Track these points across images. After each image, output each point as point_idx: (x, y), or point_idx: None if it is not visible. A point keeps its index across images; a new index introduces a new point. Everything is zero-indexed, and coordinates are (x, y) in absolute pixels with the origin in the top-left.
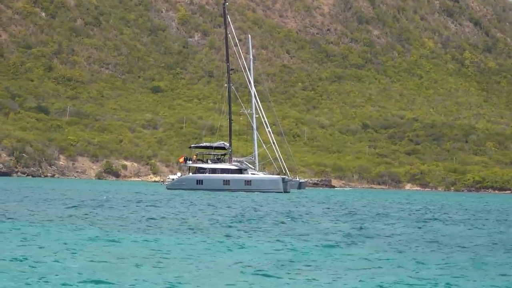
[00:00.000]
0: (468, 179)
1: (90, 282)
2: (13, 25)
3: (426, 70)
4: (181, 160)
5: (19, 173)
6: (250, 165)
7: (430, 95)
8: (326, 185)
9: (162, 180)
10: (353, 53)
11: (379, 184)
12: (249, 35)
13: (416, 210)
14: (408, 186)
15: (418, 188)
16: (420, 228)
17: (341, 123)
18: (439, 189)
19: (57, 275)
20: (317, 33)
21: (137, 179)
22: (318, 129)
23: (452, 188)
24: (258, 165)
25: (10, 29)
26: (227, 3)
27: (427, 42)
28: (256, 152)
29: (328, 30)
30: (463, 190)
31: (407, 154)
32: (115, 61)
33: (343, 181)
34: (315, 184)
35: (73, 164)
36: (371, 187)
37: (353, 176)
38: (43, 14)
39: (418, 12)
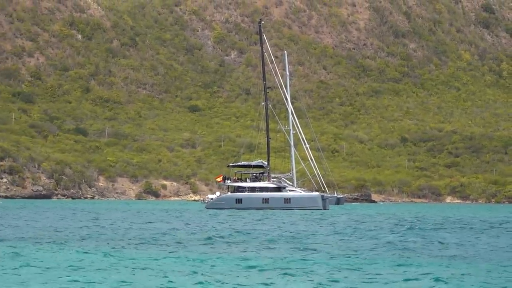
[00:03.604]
0: (509, 191)
1: None
2: (50, 48)
3: (463, 82)
4: (219, 179)
5: (59, 195)
6: (288, 182)
7: (468, 107)
8: (366, 200)
9: (202, 199)
10: (390, 67)
11: (419, 197)
12: (285, 52)
13: None
14: (448, 199)
15: (459, 201)
16: None
17: (379, 138)
18: (480, 201)
19: None
20: (353, 48)
21: (176, 198)
22: (356, 144)
23: (493, 200)
24: (297, 182)
25: (47, 52)
26: (262, 22)
27: (464, 54)
28: (294, 170)
29: (364, 44)
30: (504, 202)
31: (447, 167)
32: (152, 81)
33: (383, 196)
34: (355, 199)
35: (112, 185)
36: (411, 201)
37: (393, 190)
38: (80, 36)
39: (454, 24)
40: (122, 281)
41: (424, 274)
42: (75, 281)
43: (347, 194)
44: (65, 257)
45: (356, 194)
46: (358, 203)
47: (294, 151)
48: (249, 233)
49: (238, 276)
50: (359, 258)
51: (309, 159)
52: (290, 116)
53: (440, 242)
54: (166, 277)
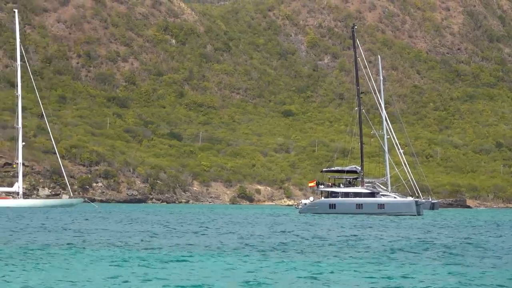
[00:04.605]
0: None
1: None
2: (144, 53)
3: None
4: (312, 184)
5: (153, 199)
6: (382, 187)
7: None
8: (460, 205)
9: (296, 204)
10: (484, 71)
11: None
12: (379, 57)
13: None
14: None
15: None
16: None
17: (474, 143)
18: None
19: None
20: (447, 53)
21: (270, 203)
22: (451, 149)
23: None
24: (391, 187)
25: (142, 57)
26: (356, 26)
27: None
28: (388, 175)
29: (458, 49)
30: None
31: None
32: (246, 86)
33: (478, 201)
34: (450, 205)
35: (207, 189)
36: (506, 207)
37: (488, 196)
38: (173, 41)
39: None
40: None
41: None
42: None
43: (441, 200)
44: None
45: (450, 199)
46: (453, 208)
47: (388, 156)
48: (325, 239)
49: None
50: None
51: (403, 164)
52: (384, 121)
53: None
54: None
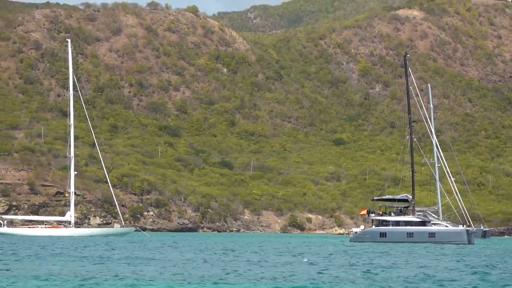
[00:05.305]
0: None
1: None
2: (196, 81)
3: None
4: (363, 213)
5: (204, 228)
6: (434, 215)
7: None
8: None
9: (347, 232)
10: None
11: None
12: (429, 85)
13: None
14: None
15: None
16: None
17: None
18: None
19: None
20: (499, 81)
21: (321, 231)
22: (503, 177)
23: None
24: (443, 216)
25: (193, 86)
26: (408, 55)
27: None
28: (440, 203)
29: (510, 77)
30: None
31: None
32: (297, 114)
33: None
34: (502, 233)
35: (258, 218)
36: None
37: None
38: (225, 70)
39: None
40: None
41: None
42: None
43: (493, 228)
44: None
45: (502, 227)
46: (505, 236)
47: (439, 185)
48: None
49: None
50: None
51: (454, 192)
52: (435, 149)
53: None
54: None
